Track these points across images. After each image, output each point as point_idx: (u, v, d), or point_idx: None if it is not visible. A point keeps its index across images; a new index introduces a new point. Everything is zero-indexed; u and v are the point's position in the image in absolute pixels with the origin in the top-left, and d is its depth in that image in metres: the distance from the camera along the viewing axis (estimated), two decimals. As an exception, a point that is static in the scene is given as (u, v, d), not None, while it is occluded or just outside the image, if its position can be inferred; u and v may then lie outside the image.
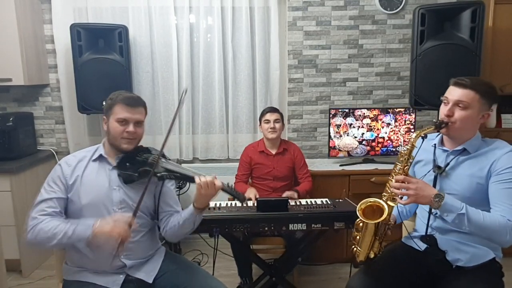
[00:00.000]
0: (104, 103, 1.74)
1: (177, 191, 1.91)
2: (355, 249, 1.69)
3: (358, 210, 1.64)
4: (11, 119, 3.01)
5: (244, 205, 2.33)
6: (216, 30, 3.30)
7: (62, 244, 1.58)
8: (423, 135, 1.62)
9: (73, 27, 2.92)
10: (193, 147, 3.51)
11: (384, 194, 1.65)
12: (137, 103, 1.70)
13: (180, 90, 3.38)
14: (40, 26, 3.28)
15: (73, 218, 1.64)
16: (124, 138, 1.67)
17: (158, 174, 1.64)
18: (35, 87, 3.36)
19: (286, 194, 2.56)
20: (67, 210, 1.67)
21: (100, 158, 1.73)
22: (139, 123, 1.70)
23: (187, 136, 3.45)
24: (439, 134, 1.76)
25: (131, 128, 1.66)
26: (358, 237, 1.67)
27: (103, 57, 2.97)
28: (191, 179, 1.64)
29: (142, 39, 3.30)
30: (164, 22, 3.31)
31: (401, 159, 1.63)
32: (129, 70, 3.06)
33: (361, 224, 1.66)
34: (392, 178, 1.62)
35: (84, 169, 1.69)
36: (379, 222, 1.60)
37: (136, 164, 1.68)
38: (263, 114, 2.78)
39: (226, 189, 1.65)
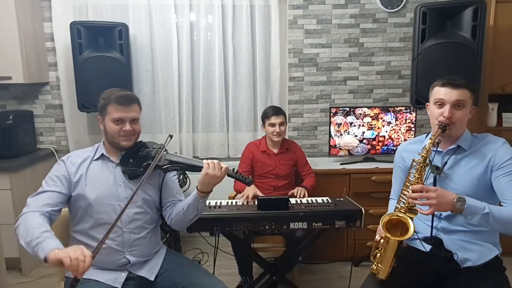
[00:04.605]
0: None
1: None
2: (375, 267, 1.63)
3: (382, 228, 1.55)
4: (10, 117, 3.01)
5: (245, 203, 2.34)
6: (217, 28, 3.29)
7: (27, 248, 1.40)
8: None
9: (73, 25, 2.91)
10: (193, 146, 3.50)
11: (401, 205, 1.60)
12: (131, 101, 1.70)
13: (180, 88, 3.38)
14: (40, 24, 3.27)
15: (82, 215, 1.65)
16: (121, 136, 1.69)
17: (164, 167, 1.67)
18: (35, 85, 3.35)
19: (296, 192, 2.55)
20: (76, 208, 1.67)
21: (102, 157, 1.74)
22: (134, 120, 1.71)
23: (187, 134, 3.44)
24: (427, 136, 1.77)
25: (127, 127, 1.68)
26: (379, 255, 1.62)
27: (103, 55, 2.96)
28: (197, 168, 1.66)
29: (142, 37, 3.29)
30: (165, 20, 3.30)
31: (417, 167, 1.60)
32: (129, 68, 3.06)
33: (381, 241, 1.61)
34: (406, 188, 1.59)
35: (88, 168, 1.70)
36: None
37: (139, 159, 1.70)
38: (267, 116, 2.70)
39: (231, 174, 1.67)
